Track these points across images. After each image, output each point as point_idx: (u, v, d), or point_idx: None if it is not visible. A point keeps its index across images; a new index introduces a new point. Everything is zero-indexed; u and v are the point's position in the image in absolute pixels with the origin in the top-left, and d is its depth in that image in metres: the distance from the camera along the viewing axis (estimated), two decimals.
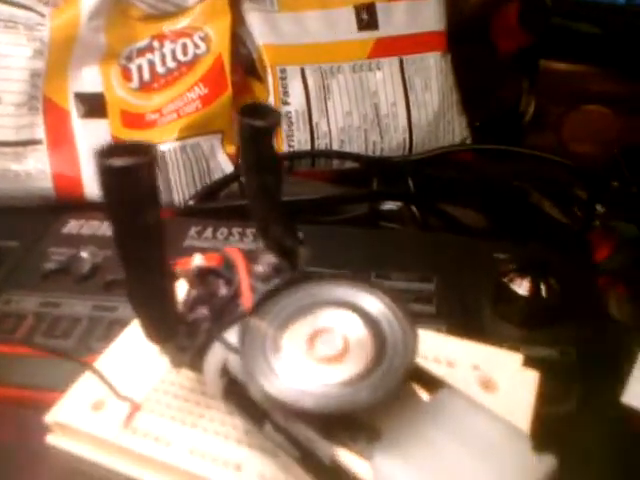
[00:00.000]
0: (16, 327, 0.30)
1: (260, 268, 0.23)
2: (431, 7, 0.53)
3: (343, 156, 0.48)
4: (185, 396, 0.24)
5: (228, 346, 0.20)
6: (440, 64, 0.52)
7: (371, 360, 0.19)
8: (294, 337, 0.20)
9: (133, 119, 0.42)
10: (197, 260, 0.23)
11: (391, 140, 0.51)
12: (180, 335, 0.22)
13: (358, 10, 0.51)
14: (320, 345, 0.19)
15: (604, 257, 0.43)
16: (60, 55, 0.39)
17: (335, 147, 0.50)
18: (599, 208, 0.48)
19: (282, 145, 0.49)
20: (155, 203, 0.18)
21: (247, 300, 0.21)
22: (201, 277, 0.23)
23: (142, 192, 0.18)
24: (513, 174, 0.52)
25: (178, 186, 0.42)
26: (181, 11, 0.45)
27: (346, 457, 0.18)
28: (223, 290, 0.23)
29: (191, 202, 0.41)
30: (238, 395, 0.20)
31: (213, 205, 0.41)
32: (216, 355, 0.21)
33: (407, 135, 0.52)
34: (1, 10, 0.38)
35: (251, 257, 0.24)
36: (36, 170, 0.39)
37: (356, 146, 0.50)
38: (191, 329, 0.22)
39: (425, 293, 0.33)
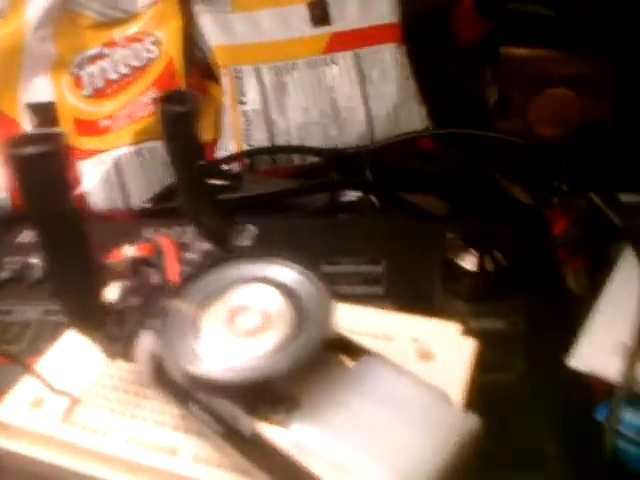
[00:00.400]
0: None
1: (192, 255, 0.24)
2: (383, 0, 0.53)
3: (298, 150, 0.48)
4: (124, 388, 0.24)
5: (151, 330, 0.20)
6: (395, 55, 0.53)
7: (290, 331, 0.19)
8: (214, 316, 0.20)
9: (86, 126, 0.42)
10: (128, 251, 0.24)
11: (351, 133, 0.52)
12: (110, 325, 0.22)
13: (310, 6, 0.51)
14: (240, 321, 0.20)
15: (561, 231, 0.43)
16: (7, 66, 0.40)
17: (295, 143, 0.50)
18: (560, 185, 0.49)
19: (241, 144, 0.49)
20: (67, 191, 0.19)
21: (173, 285, 0.22)
22: (134, 267, 0.24)
23: (53, 180, 0.18)
24: (476, 160, 0.53)
25: (135, 189, 0.42)
26: (131, 17, 0.45)
27: (267, 430, 0.19)
28: (155, 279, 0.23)
29: (147, 204, 0.41)
30: (165, 379, 0.21)
31: (168, 205, 0.41)
32: (145, 342, 0.21)
33: (366, 127, 0.52)
34: None
35: (185, 245, 0.24)
36: None
37: (316, 141, 0.50)
38: (121, 318, 0.22)
39: (373, 275, 0.33)
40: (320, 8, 0.52)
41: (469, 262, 0.32)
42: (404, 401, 0.19)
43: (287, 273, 0.21)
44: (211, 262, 0.21)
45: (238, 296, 0.20)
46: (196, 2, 0.48)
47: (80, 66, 0.43)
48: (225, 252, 0.24)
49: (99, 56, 0.44)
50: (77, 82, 0.43)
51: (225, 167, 0.49)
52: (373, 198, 0.46)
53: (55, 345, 0.27)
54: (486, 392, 0.24)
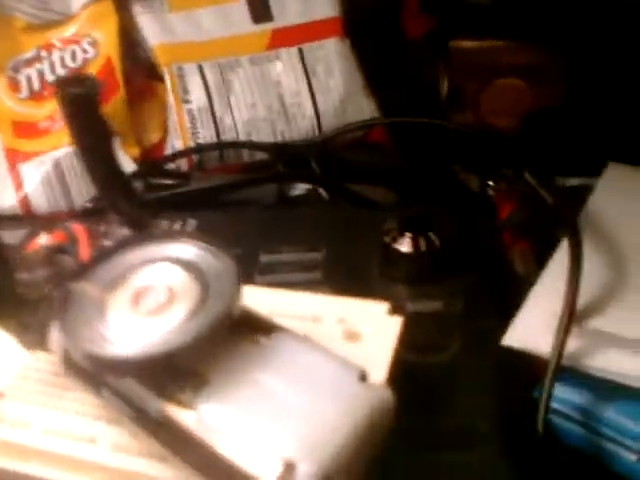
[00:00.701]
0: None
1: (108, 243, 0.23)
2: None
3: (243, 145, 0.48)
4: (46, 379, 0.24)
5: (54, 315, 0.20)
6: (339, 49, 0.53)
7: (194, 307, 0.19)
8: (119, 297, 0.20)
9: (25, 128, 0.42)
10: (43, 239, 0.23)
11: (299, 128, 0.52)
12: (22, 314, 0.22)
13: (250, 3, 0.51)
14: (145, 299, 0.19)
15: (507, 215, 0.44)
16: None
17: (242, 140, 0.50)
18: (505, 171, 0.49)
19: (188, 142, 0.49)
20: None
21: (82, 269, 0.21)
22: (49, 256, 0.23)
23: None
24: (425, 150, 0.53)
25: (76, 190, 0.42)
26: (66, 19, 0.45)
27: (175, 410, 0.18)
28: (70, 266, 0.23)
29: (90, 204, 0.41)
30: (74, 366, 0.20)
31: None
32: (56, 330, 0.21)
33: (315, 122, 0.52)
34: None
35: (105, 234, 0.24)
36: None
37: (264, 137, 0.50)
38: (34, 307, 0.22)
39: (312, 262, 0.33)
40: (260, 4, 0.52)
41: (405, 245, 0.32)
42: (314, 375, 0.19)
43: (191, 250, 0.20)
44: (116, 244, 0.21)
45: (142, 276, 0.20)
46: (133, 3, 0.48)
47: (16, 69, 0.43)
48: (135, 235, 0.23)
49: (35, 58, 0.43)
50: (13, 85, 0.42)
51: (172, 166, 0.48)
52: (321, 191, 0.46)
53: None
54: (419, 373, 0.24)
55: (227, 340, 0.19)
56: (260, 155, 0.50)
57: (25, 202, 0.41)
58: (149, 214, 0.24)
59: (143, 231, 0.24)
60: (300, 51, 0.52)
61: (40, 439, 0.22)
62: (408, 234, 0.32)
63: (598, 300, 0.30)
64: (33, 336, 0.22)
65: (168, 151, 0.48)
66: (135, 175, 0.44)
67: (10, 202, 0.41)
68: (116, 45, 0.45)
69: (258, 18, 0.51)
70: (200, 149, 0.47)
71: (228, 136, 0.50)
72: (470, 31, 0.58)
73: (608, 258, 0.32)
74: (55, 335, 0.21)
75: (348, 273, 0.33)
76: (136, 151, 0.46)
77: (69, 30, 0.45)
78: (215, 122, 0.49)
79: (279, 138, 0.51)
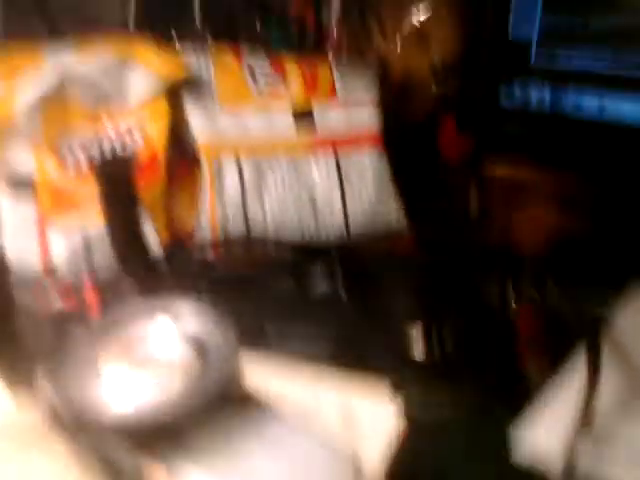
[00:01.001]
0: None
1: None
2: (366, 112, 0.56)
3: (274, 243, 0.49)
4: (23, 434, 0.23)
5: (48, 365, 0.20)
6: (375, 160, 0.55)
7: (190, 371, 0.19)
8: (113, 349, 0.19)
9: (62, 200, 0.44)
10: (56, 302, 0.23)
11: (327, 231, 0.53)
12: (11, 354, 0.21)
13: (296, 114, 0.54)
14: (137, 354, 0.19)
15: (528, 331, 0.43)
16: None
17: (271, 235, 0.51)
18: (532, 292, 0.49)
19: (217, 233, 0.50)
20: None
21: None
22: (59, 322, 0.23)
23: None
24: (448, 264, 0.53)
25: (101, 266, 0.43)
26: (122, 110, 0.48)
27: (156, 474, 0.18)
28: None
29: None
30: (60, 418, 0.20)
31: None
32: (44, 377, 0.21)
33: (343, 228, 0.53)
34: None
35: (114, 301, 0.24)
36: None
37: (292, 235, 0.51)
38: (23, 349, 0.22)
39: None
40: (305, 116, 0.54)
41: (419, 350, 0.31)
42: (305, 463, 0.18)
43: (194, 315, 0.20)
44: (116, 294, 0.21)
45: (139, 333, 0.20)
46: (186, 100, 0.51)
47: (68, 148, 0.45)
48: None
49: (87, 143, 0.46)
50: (62, 161, 0.45)
51: (200, 255, 0.49)
52: (341, 292, 0.46)
53: None
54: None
55: (221, 410, 0.18)
56: (284, 253, 0.51)
57: (48, 269, 0.42)
58: (165, 288, 0.24)
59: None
60: (337, 158, 0.54)
61: None
62: (423, 340, 0.31)
63: (612, 412, 0.28)
64: (17, 376, 0.21)
65: (197, 240, 0.50)
66: (163, 259, 0.45)
67: (34, 267, 0.41)
68: (164, 141, 0.48)
69: (301, 127, 0.54)
70: (233, 243, 0.48)
71: (257, 230, 0.51)
72: (503, 157, 0.60)
73: (624, 372, 0.31)
74: (43, 382, 0.21)
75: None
76: (166, 237, 0.47)
77: (124, 121, 0.48)
78: (246, 217, 0.50)
79: (306, 233, 0.52)
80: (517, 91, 0.59)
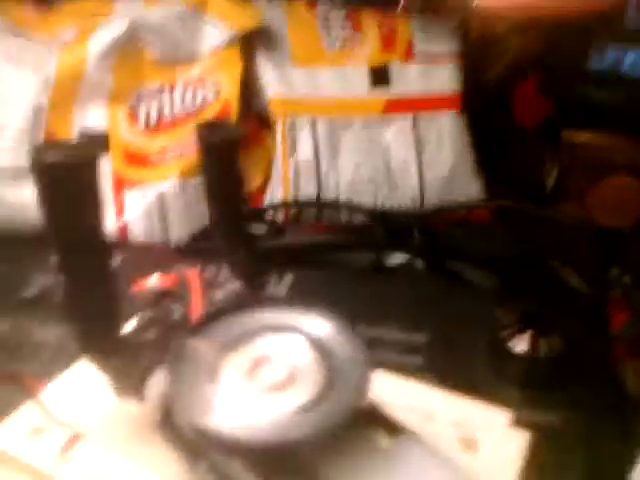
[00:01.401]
0: None
1: (220, 294, 0.22)
2: (446, 70, 0.52)
3: (349, 207, 0.46)
4: (128, 428, 0.22)
5: (164, 370, 0.18)
6: (454, 124, 0.52)
7: (318, 392, 0.17)
8: (235, 363, 0.18)
9: (135, 158, 0.42)
10: (153, 281, 0.22)
11: (401, 197, 0.50)
12: (123, 358, 0.20)
13: (372, 70, 0.51)
14: (263, 373, 0.17)
15: (620, 327, 0.40)
16: (66, 90, 0.40)
17: (343, 200, 0.49)
18: (621, 277, 0.45)
19: (289, 194, 0.48)
20: (94, 207, 0.17)
21: (194, 323, 0.19)
22: (156, 299, 0.22)
23: (79, 193, 0.17)
24: (530, 240, 0.50)
25: (176, 225, 0.41)
26: (194, 59, 0.45)
27: None
28: (176, 313, 0.21)
29: (186, 241, 0.40)
30: (174, 427, 0.18)
31: (206, 245, 0.40)
32: (157, 381, 0.19)
33: (418, 193, 0.50)
34: (12, 44, 0.39)
35: (214, 284, 0.22)
36: (32, 200, 0.39)
37: (365, 200, 0.49)
38: (136, 352, 0.20)
39: (415, 344, 0.30)
40: (382, 72, 0.51)
41: (520, 344, 0.29)
42: None
43: (321, 327, 0.18)
44: (238, 304, 0.19)
45: (264, 345, 0.18)
46: (258, 53, 0.48)
47: (138, 100, 0.43)
48: (254, 295, 0.22)
49: (158, 93, 0.44)
50: (132, 115, 0.43)
51: (269, 216, 0.47)
52: (419, 264, 0.43)
53: (66, 373, 0.25)
54: None
55: (348, 435, 0.17)
56: (358, 218, 0.48)
57: (123, 230, 0.41)
58: (266, 270, 0.22)
59: (256, 289, 0.22)
60: (414, 119, 0.50)
61: None
62: (527, 334, 0.29)
63: None
64: (129, 383, 0.20)
65: (267, 201, 0.48)
66: None
67: (108, 228, 0.40)
68: (237, 91, 0.45)
69: (377, 84, 0.50)
70: (307, 204, 0.46)
71: (329, 194, 0.48)
72: (584, 124, 0.56)
73: None
74: (155, 387, 0.19)
75: (452, 362, 0.30)
76: None
77: (195, 71, 0.45)
78: (319, 179, 0.48)
79: (379, 203, 0.49)
80: (608, 54, 0.55)
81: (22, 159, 0.39)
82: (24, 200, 0.39)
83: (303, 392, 0.17)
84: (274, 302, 0.19)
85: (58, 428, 0.21)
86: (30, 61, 0.39)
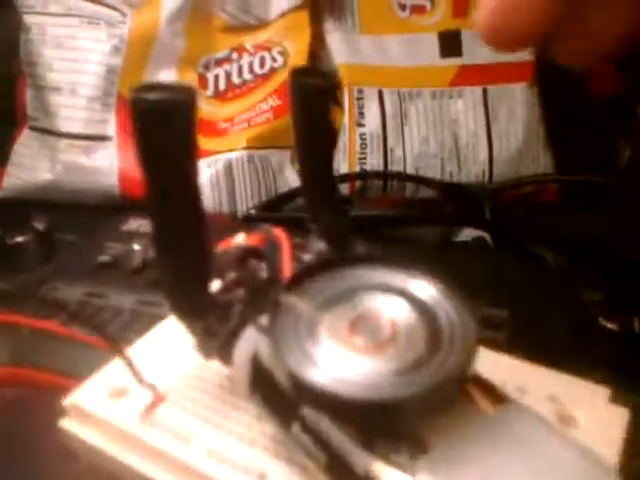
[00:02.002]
0: (55, 312, 0.29)
1: (307, 256, 0.21)
2: None
3: (417, 180, 0.45)
4: (213, 393, 0.21)
5: (258, 327, 0.17)
6: (526, 95, 0.49)
7: (422, 353, 0.16)
8: (334, 321, 0.17)
9: (204, 126, 0.42)
10: (239, 240, 0.21)
11: (469, 171, 0.48)
12: (211, 317, 0.19)
13: (442, 36, 0.49)
14: (363, 330, 0.16)
15: None
16: (138, 54, 0.39)
17: (410, 173, 0.47)
18: None
19: (354, 166, 0.47)
20: (192, 154, 0.17)
21: (285, 279, 0.19)
22: (242, 258, 0.21)
23: (178, 137, 0.16)
24: (604, 217, 0.48)
25: (242, 195, 0.41)
26: (262, 25, 0.45)
27: (384, 471, 0.15)
28: (263, 272, 0.20)
29: (253, 212, 0.40)
30: (266, 388, 0.18)
31: (275, 215, 0.39)
32: (247, 341, 0.19)
33: (487, 167, 0.48)
34: (85, 7, 0.39)
35: (300, 245, 0.21)
36: (103, 166, 0.39)
37: (432, 174, 0.47)
38: (223, 312, 0.19)
39: (496, 319, 0.29)
40: (452, 39, 0.49)
41: (613, 321, 0.27)
42: (550, 462, 0.15)
43: (423, 287, 0.17)
44: (331, 261, 0.18)
45: (363, 303, 0.17)
46: (325, 20, 0.47)
47: (206, 66, 0.43)
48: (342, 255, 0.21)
49: (226, 59, 0.43)
50: (201, 81, 0.42)
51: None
52: (488, 239, 0.42)
53: (147, 335, 0.24)
54: None
55: (454, 403, 0.16)
56: (424, 192, 0.47)
57: None
58: (354, 234, 0.22)
59: (343, 249, 0.21)
60: (484, 91, 0.48)
61: (204, 461, 0.19)
62: (620, 311, 0.27)
63: None
64: (217, 343, 0.19)
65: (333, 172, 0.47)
66: (296, 190, 0.43)
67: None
68: (305, 57, 0.44)
69: (447, 52, 0.49)
70: (377, 175, 0.45)
71: (395, 168, 0.47)
72: None
73: None
74: (244, 347, 0.18)
75: (536, 339, 0.28)
76: None
77: (263, 36, 0.44)
78: (385, 151, 0.47)
79: (447, 178, 0.48)
80: None
81: (93, 127, 0.39)
82: (96, 166, 0.39)
83: (406, 352, 0.16)
84: (370, 260, 0.18)
85: (141, 389, 0.21)
86: (103, 24, 0.39)
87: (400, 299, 0.17)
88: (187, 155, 0.16)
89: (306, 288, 0.18)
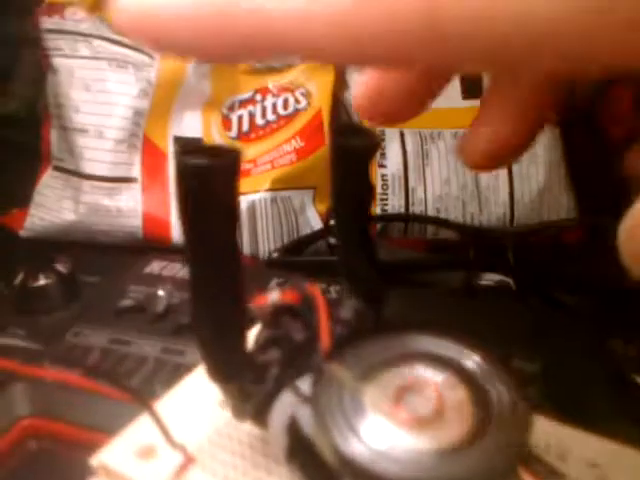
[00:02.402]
0: (80, 360, 0.28)
1: (342, 313, 0.21)
2: None
3: (439, 222, 0.45)
4: (244, 454, 0.21)
5: (299, 394, 0.17)
6: (547, 136, 0.49)
7: (471, 429, 0.15)
8: (378, 391, 0.16)
9: None
10: (274, 297, 0.21)
11: (490, 213, 0.48)
12: (246, 378, 0.19)
13: (463, 79, 0.49)
14: (409, 403, 0.16)
15: None
16: (164, 97, 0.40)
17: (431, 215, 0.47)
18: None
19: (376, 208, 0.47)
20: (233, 216, 0.16)
21: (325, 345, 0.18)
22: (276, 316, 0.21)
23: (220, 198, 0.16)
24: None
25: (265, 237, 0.41)
26: (286, 67, 0.45)
27: None
28: (299, 332, 0.20)
29: (275, 254, 0.39)
30: (304, 456, 0.17)
31: (297, 259, 0.39)
32: (284, 406, 0.18)
33: (508, 209, 0.48)
34: (116, 51, 0.40)
35: (334, 302, 0.21)
36: (127, 207, 0.39)
37: (453, 216, 0.47)
38: (259, 373, 0.19)
39: (528, 374, 0.28)
40: (474, 81, 0.49)
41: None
42: None
43: (471, 358, 0.17)
44: (375, 327, 0.18)
45: (408, 373, 0.17)
46: None
47: (231, 108, 0.43)
48: (377, 314, 0.20)
49: (250, 100, 0.44)
50: (225, 123, 0.43)
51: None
52: (511, 284, 0.41)
53: (173, 390, 0.24)
54: None
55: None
56: (445, 232, 0.47)
57: None
58: (386, 287, 0.21)
59: (378, 307, 0.21)
60: None
61: None
62: None
63: None
64: (252, 405, 0.19)
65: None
66: (317, 233, 0.43)
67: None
68: (328, 100, 0.44)
69: (468, 95, 0.49)
70: (399, 217, 0.45)
71: (417, 209, 0.47)
72: None
73: None
74: (281, 411, 0.18)
75: (570, 396, 0.28)
76: (323, 207, 0.44)
77: (286, 77, 0.45)
78: (407, 192, 0.47)
79: (468, 219, 0.47)
80: None
81: (118, 169, 0.40)
82: (120, 207, 0.39)
83: (454, 429, 0.15)
84: (413, 327, 0.18)
85: (170, 449, 0.21)
86: (131, 68, 0.39)
87: (447, 370, 0.17)
88: (228, 216, 0.16)
89: (347, 355, 0.17)
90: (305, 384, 0.17)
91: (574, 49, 0.09)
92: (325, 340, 0.19)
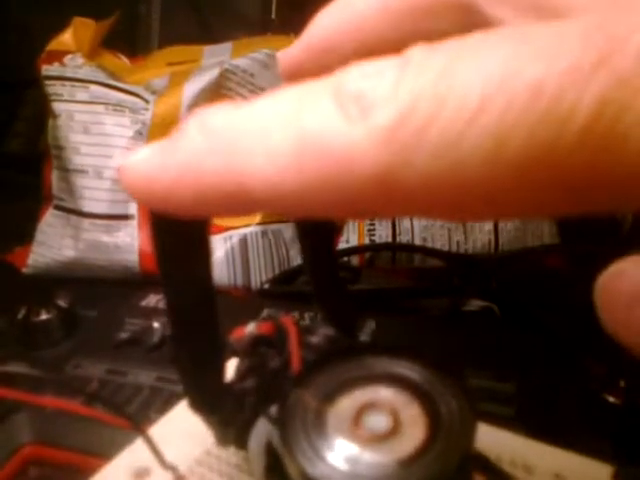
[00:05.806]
0: (78, 391, 0.30)
1: (314, 339, 0.22)
2: None
3: (425, 251, 0.47)
4: (230, 474, 0.22)
5: (269, 419, 0.19)
6: None
7: (425, 439, 0.17)
8: (339, 413, 0.18)
9: None
10: (250, 328, 0.23)
11: (475, 241, 0.50)
12: (226, 409, 0.20)
13: None
14: (367, 422, 0.17)
15: None
16: (159, 138, 0.42)
17: (417, 244, 0.49)
18: None
19: (364, 238, 0.48)
20: (206, 261, 0.18)
21: (295, 371, 0.20)
22: (254, 347, 0.22)
23: (194, 251, 0.18)
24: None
25: (257, 268, 0.42)
26: None
27: None
28: (274, 361, 0.22)
29: (267, 285, 0.41)
30: (282, 476, 0.19)
31: (288, 289, 0.40)
32: (260, 431, 0.20)
33: (492, 236, 0.50)
34: (113, 95, 0.42)
35: (308, 328, 0.23)
36: (125, 243, 0.41)
37: (439, 245, 0.49)
38: (237, 402, 0.21)
39: (504, 394, 0.30)
40: None
41: (616, 397, 0.28)
42: None
43: (425, 375, 0.18)
44: (336, 351, 0.20)
45: (368, 393, 0.18)
46: None
47: None
48: (350, 341, 0.22)
49: None
50: None
51: (344, 260, 0.48)
52: (495, 310, 0.43)
53: (167, 416, 0.26)
54: None
55: None
56: (432, 261, 0.48)
57: None
58: (357, 315, 0.23)
59: (350, 334, 0.22)
60: None
61: None
62: (623, 386, 0.28)
63: None
64: (232, 432, 0.20)
65: (342, 244, 0.48)
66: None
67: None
68: None
69: None
70: (386, 247, 0.46)
71: (403, 238, 0.49)
72: None
73: None
74: (258, 436, 0.20)
75: (543, 413, 0.29)
76: None
77: None
78: (393, 222, 0.48)
79: (454, 248, 0.49)
80: None
81: (116, 207, 0.42)
82: (118, 243, 0.41)
83: (408, 442, 0.17)
84: (373, 349, 0.19)
85: (163, 471, 0.22)
86: (128, 111, 0.42)
87: (401, 388, 0.18)
88: (201, 262, 0.18)
89: (314, 379, 0.19)
90: (277, 411, 0.19)
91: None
92: (296, 367, 0.20)
